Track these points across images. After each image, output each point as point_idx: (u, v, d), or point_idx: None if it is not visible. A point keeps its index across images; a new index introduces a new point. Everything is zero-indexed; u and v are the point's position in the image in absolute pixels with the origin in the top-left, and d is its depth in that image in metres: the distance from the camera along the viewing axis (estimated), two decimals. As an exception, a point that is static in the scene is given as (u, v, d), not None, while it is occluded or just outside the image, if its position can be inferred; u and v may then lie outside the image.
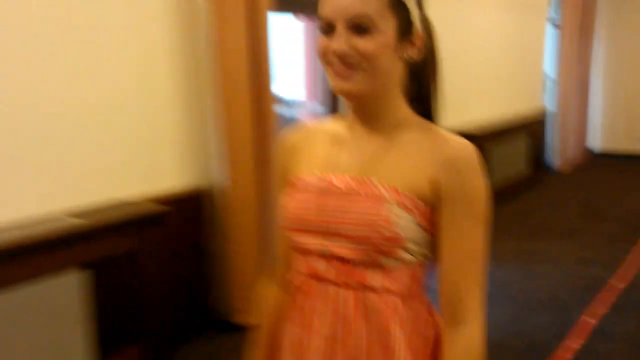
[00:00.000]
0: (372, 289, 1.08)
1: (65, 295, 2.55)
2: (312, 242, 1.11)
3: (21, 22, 2.56)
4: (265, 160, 3.44)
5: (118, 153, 2.98)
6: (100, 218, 2.67)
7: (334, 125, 1.20)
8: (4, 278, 2.32)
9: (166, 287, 3.03)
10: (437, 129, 1.12)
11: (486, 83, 6.70)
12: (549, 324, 3.47)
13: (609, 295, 3.88)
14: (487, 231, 1.09)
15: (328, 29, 1.05)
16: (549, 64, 8.16)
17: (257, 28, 3.32)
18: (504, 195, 6.41)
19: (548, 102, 8.18)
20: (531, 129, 7.16)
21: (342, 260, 1.08)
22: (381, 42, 1.02)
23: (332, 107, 4.42)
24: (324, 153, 1.16)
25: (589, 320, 3.51)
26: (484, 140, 5.95)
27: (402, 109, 1.12)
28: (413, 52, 1.09)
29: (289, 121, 4.52)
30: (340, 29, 1.02)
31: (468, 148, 1.07)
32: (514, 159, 6.74)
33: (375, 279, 1.07)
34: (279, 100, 3.70)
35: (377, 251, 1.05)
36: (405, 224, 1.04)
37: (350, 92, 1.06)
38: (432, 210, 1.06)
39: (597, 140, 9.35)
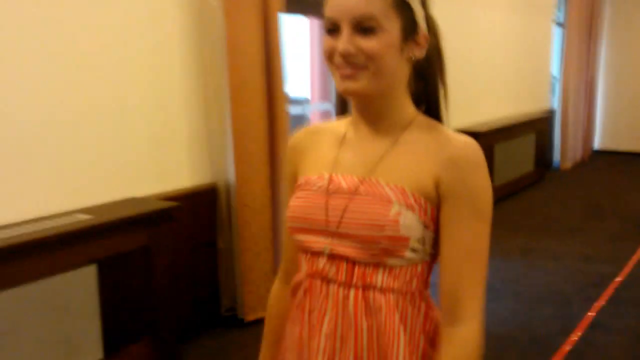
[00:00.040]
0: (375, 288, 1.08)
1: (77, 290, 2.61)
2: (317, 242, 1.11)
3: (41, 26, 2.66)
4: (277, 158, 3.53)
5: (132, 152, 3.07)
6: (112, 215, 2.74)
7: (339, 126, 1.20)
8: (18, 274, 2.38)
9: (176, 283, 3.09)
10: (442, 128, 1.12)
11: (494, 83, 6.79)
12: (553, 319, 3.57)
13: (611, 291, 3.98)
14: (489, 230, 1.08)
15: (333, 29, 1.05)
16: (555, 64, 8.24)
17: (269, 28, 3.42)
18: (509, 193, 6.51)
19: (554, 101, 8.27)
20: (537, 128, 7.24)
21: (346, 260, 1.09)
22: (386, 42, 1.02)
23: (342, 106, 4.51)
24: (330, 153, 1.16)
25: (592, 315, 3.61)
26: (492, 139, 6.05)
27: (408, 109, 1.13)
28: (418, 52, 1.09)
29: (299, 120, 4.62)
30: (345, 29, 1.02)
31: (472, 146, 1.07)
32: (520, 157, 6.82)
33: (379, 278, 1.07)
34: (290, 99, 3.79)
35: (382, 252, 1.05)
36: (411, 224, 1.04)
37: (355, 92, 1.07)
38: (436, 209, 1.07)
39: (601, 138, 9.42)
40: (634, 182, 7.58)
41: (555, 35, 8.19)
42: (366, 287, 1.08)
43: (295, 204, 1.15)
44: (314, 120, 4.92)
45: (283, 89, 3.54)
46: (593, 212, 6.05)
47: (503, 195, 6.35)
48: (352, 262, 1.08)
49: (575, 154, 8.43)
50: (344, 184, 1.11)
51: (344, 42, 1.02)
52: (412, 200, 1.05)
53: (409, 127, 1.11)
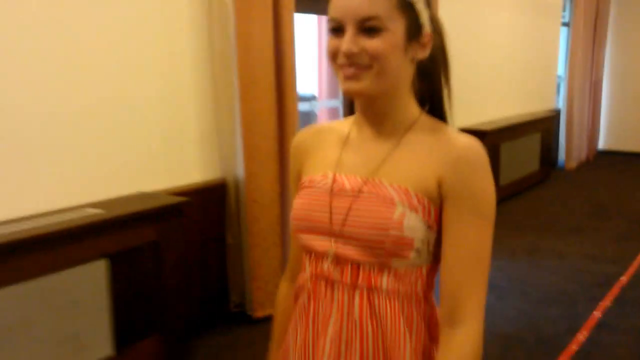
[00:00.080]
0: (380, 291, 1.07)
1: (87, 285, 2.61)
2: (321, 243, 1.11)
3: (57, 24, 2.69)
4: (286, 154, 3.54)
5: (142, 147, 3.09)
6: (123, 210, 2.75)
7: (343, 125, 1.20)
8: (28, 267, 2.39)
9: (185, 279, 3.11)
10: (447, 129, 1.12)
11: (500, 83, 6.81)
12: (559, 318, 3.58)
13: (617, 291, 3.99)
14: (492, 231, 1.07)
15: (337, 30, 1.05)
16: (561, 65, 8.26)
17: (282, 27, 3.43)
18: (515, 192, 6.53)
19: (560, 101, 8.29)
20: (543, 128, 7.26)
21: (351, 262, 1.08)
22: (390, 43, 1.02)
23: (349, 103, 4.52)
24: (333, 153, 1.16)
25: (597, 314, 3.62)
26: (497, 138, 6.06)
27: (412, 109, 1.12)
28: (422, 52, 1.09)
29: (308, 117, 4.64)
30: (350, 29, 1.02)
31: (475, 147, 1.06)
32: (527, 156, 6.84)
33: (383, 280, 1.07)
34: (299, 97, 3.80)
35: (387, 253, 1.05)
36: (415, 225, 1.03)
37: (359, 93, 1.06)
38: (439, 209, 1.06)
39: (606, 139, 9.43)
40: (638, 182, 7.58)
41: (561, 35, 8.20)
42: (371, 290, 1.07)
43: (299, 204, 1.15)
44: (322, 116, 4.94)
45: (293, 86, 3.55)
46: (598, 212, 6.06)
47: (508, 194, 6.37)
48: (356, 264, 1.08)
49: (580, 153, 8.44)
50: (347, 185, 1.10)
51: (348, 42, 1.02)
52: (415, 201, 1.04)
53: (413, 128, 1.11)
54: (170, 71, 3.20)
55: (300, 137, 1.26)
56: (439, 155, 1.06)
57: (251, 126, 3.37)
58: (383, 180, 1.07)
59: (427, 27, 1.07)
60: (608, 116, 9.38)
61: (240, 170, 3.45)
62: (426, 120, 1.13)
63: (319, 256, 1.12)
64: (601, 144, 9.38)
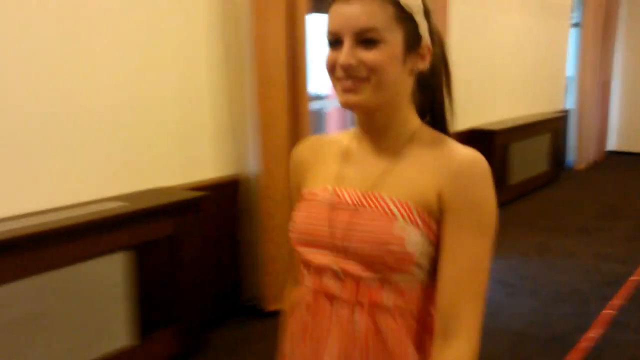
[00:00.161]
0: (384, 307, 1.05)
1: (108, 277, 2.66)
2: (322, 258, 1.09)
3: (78, 22, 2.74)
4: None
5: (159, 143, 3.15)
6: (142, 203, 2.81)
7: (343, 138, 1.18)
8: (51, 259, 2.44)
9: (201, 272, 3.16)
10: (447, 141, 1.09)
11: (510, 84, 6.84)
12: (570, 316, 3.60)
13: (627, 290, 4.00)
14: (491, 246, 1.04)
15: (335, 42, 1.04)
16: (571, 65, 8.27)
17: (295, 27, 3.48)
18: (524, 192, 6.54)
19: (569, 102, 8.30)
20: (552, 128, 7.27)
21: (353, 277, 1.06)
22: (388, 54, 1.01)
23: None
24: (334, 167, 1.15)
25: (608, 313, 3.64)
26: (507, 138, 6.09)
27: (412, 121, 1.11)
28: (421, 64, 1.07)
29: (318, 115, 4.68)
30: (347, 42, 1.01)
31: (476, 159, 1.04)
32: (536, 157, 6.85)
33: (387, 296, 1.05)
34: (311, 96, 3.84)
35: (388, 269, 1.03)
36: (416, 240, 1.02)
37: (357, 105, 1.05)
38: (439, 223, 1.04)
39: (616, 140, 9.42)
40: (647, 183, 7.59)
41: (572, 36, 8.22)
42: (374, 307, 1.05)
43: (298, 217, 1.14)
44: (332, 115, 4.97)
45: (306, 85, 3.61)
46: (608, 212, 6.07)
47: (518, 194, 6.39)
48: (357, 279, 1.06)
49: (590, 154, 8.44)
50: (347, 198, 1.09)
51: (345, 54, 1.01)
52: (416, 216, 1.03)
53: (413, 140, 1.09)
54: (187, 71, 3.26)
55: (299, 150, 1.24)
56: (439, 168, 1.04)
57: (267, 124, 3.42)
58: (383, 194, 1.05)
59: (426, 38, 1.06)
60: (618, 117, 9.37)
61: (253, 167, 3.49)
62: (427, 132, 1.11)
63: (319, 270, 1.10)
64: (611, 145, 9.37)
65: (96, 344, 2.64)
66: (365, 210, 1.06)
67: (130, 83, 2.98)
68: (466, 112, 5.79)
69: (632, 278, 4.21)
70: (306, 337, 1.12)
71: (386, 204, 1.04)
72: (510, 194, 6.20)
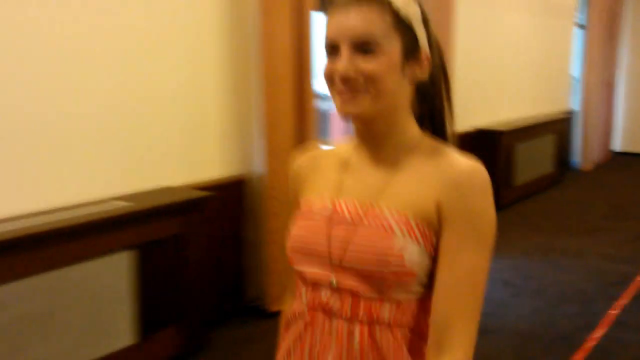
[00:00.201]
0: (382, 323, 1.03)
1: (112, 276, 2.68)
2: (319, 273, 1.07)
3: (83, 19, 2.75)
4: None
5: (165, 143, 3.16)
6: (148, 202, 2.82)
7: (342, 149, 1.16)
8: (56, 257, 2.45)
9: (205, 271, 3.16)
10: (447, 150, 1.07)
11: (516, 84, 6.85)
12: (575, 316, 3.59)
13: (633, 290, 3.99)
14: (489, 259, 1.02)
15: (333, 50, 1.03)
16: (576, 66, 8.27)
17: (301, 26, 3.50)
18: (530, 192, 6.53)
19: (574, 102, 8.29)
20: (557, 129, 7.26)
21: (351, 293, 1.04)
22: (386, 63, 1.00)
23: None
24: (333, 179, 1.13)
25: (614, 313, 3.63)
26: (514, 138, 6.08)
27: (411, 130, 1.09)
28: (420, 72, 1.06)
29: (324, 115, 4.68)
30: (345, 50, 1.00)
31: (475, 170, 1.02)
32: (541, 157, 6.84)
33: (385, 311, 1.03)
34: (317, 95, 3.85)
35: (388, 285, 1.01)
36: (416, 256, 1.00)
37: (356, 116, 1.03)
38: (438, 235, 1.03)
39: (621, 140, 9.40)
40: (653, 184, 7.57)
41: (576, 37, 8.22)
42: (372, 322, 1.03)
43: (296, 233, 1.12)
44: (336, 115, 4.96)
45: (312, 85, 3.62)
46: (613, 213, 6.05)
47: (523, 194, 6.38)
48: (356, 295, 1.04)
49: (595, 155, 8.42)
50: (346, 213, 1.07)
51: (344, 64, 1.00)
52: (417, 232, 1.01)
53: (413, 150, 1.08)
54: (193, 71, 3.27)
55: (298, 162, 1.22)
56: (438, 178, 1.03)
57: (273, 124, 3.43)
58: (383, 209, 1.04)
59: (424, 47, 1.05)
60: (623, 118, 9.35)
61: (258, 167, 3.50)
62: (427, 141, 1.10)
63: (316, 285, 1.08)
64: (617, 146, 9.35)
65: (100, 343, 2.65)
66: (364, 226, 1.04)
67: (137, 83, 2.99)
68: (472, 113, 5.79)
69: (638, 278, 4.20)
70: (303, 352, 1.10)
71: (385, 219, 1.03)
72: (515, 194, 6.19)
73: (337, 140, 1.28)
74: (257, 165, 3.51)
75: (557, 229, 5.47)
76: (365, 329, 1.03)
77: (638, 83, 9.24)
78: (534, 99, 7.28)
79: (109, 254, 2.64)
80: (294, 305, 1.14)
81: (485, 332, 3.34)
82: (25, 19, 2.54)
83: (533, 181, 6.62)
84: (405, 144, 1.08)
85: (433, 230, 1.02)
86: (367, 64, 0.99)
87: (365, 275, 1.02)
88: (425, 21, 1.06)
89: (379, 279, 1.01)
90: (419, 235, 1.01)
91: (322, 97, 4.81)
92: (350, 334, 1.04)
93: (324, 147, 1.23)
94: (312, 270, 1.08)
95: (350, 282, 1.04)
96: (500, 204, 5.71)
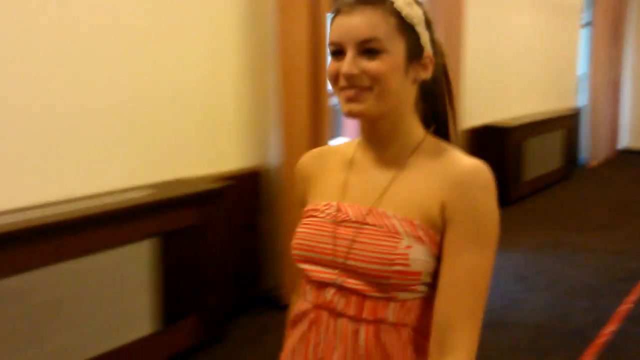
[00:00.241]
0: (388, 323, 1.04)
1: (134, 263, 2.70)
2: (325, 273, 1.08)
3: (105, 16, 2.80)
4: (320, 145, 3.64)
5: (184, 135, 3.20)
6: (168, 193, 2.86)
7: (348, 148, 1.18)
8: (81, 245, 2.48)
9: (224, 261, 3.19)
10: (451, 151, 1.09)
11: (524, 81, 6.90)
12: (585, 311, 3.63)
13: (643, 286, 4.03)
14: (493, 258, 1.02)
15: (338, 52, 1.04)
16: (583, 64, 8.31)
17: (317, 25, 3.57)
18: (538, 188, 6.56)
19: (581, 100, 8.32)
20: (565, 125, 7.29)
21: (355, 292, 1.04)
22: (390, 64, 1.01)
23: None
24: (338, 179, 1.14)
25: (625, 308, 3.66)
26: (522, 134, 6.11)
27: (415, 131, 1.10)
28: (423, 74, 1.08)
29: (338, 111, 4.71)
30: (350, 52, 1.02)
31: (478, 169, 1.03)
32: (549, 153, 6.87)
33: (390, 312, 1.03)
34: (331, 92, 3.90)
35: (393, 286, 1.02)
36: (421, 258, 1.01)
37: (361, 114, 1.05)
38: (442, 235, 1.03)
39: (628, 138, 9.42)
40: (660, 181, 7.59)
41: (583, 35, 8.26)
42: (377, 322, 1.04)
43: (301, 233, 1.13)
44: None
45: (326, 82, 3.65)
46: (621, 209, 6.08)
47: (531, 190, 6.41)
48: (361, 295, 1.04)
49: (602, 152, 8.46)
50: (351, 214, 1.08)
51: (348, 64, 1.01)
52: (421, 233, 1.02)
53: (417, 151, 1.09)
54: (213, 66, 3.33)
55: (304, 162, 1.23)
56: (442, 178, 1.04)
57: (289, 118, 3.48)
58: (387, 210, 1.05)
59: (428, 49, 1.07)
60: (630, 115, 9.37)
61: (275, 159, 3.54)
62: (431, 141, 1.11)
63: (321, 286, 1.09)
64: (624, 143, 9.37)
65: (120, 331, 2.68)
66: (369, 228, 1.05)
67: (162, 79, 3.05)
68: (482, 109, 5.83)
69: (647, 274, 4.23)
70: (307, 352, 1.10)
71: (389, 219, 1.04)
72: (524, 190, 6.22)
73: (344, 139, 1.28)
74: (274, 157, 3.55)
75: (566, 225, 5.50)
76: (370, 329, 1.04)
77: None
78: (542, 96, 7.32)
79: (130, 243, 2.67)
80: (299, 304, 1.15)
81: (500, 325, 3.38)
82: (64, 20, 2.57)
83: (542, 176, 6.65)
84: (409, 145, 1.09)
85: (437, 230, 1.03)
86: (372, 65, 1.01)
87: (369, 275, 1.03)
88: (428, 24, 1.08)
89: (383, 278, 1.01)
90: (423, 235, 1.02)
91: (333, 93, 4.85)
92: (355, 333, 1.04)
93: (330, 144, 1.24)
94: (316, 269, 1.09)
95: (354, 281, 1.04)
96: (510, 199, 5.75)
